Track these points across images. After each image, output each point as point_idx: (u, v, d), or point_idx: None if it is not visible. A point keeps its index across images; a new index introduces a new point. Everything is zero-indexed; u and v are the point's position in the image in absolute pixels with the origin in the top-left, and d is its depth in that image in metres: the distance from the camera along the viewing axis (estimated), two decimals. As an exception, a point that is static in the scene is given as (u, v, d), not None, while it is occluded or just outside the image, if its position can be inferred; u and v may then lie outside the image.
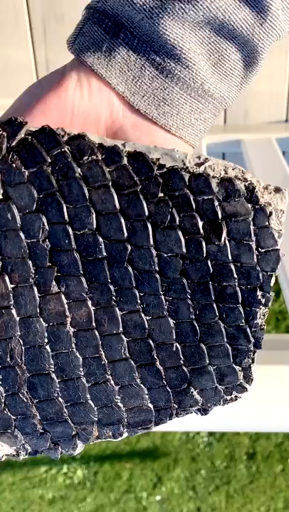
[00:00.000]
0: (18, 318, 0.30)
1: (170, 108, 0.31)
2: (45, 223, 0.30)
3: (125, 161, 0.29)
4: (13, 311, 0.30)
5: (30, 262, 0.30)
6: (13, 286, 0.30)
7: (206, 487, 1.09)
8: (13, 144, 0.29)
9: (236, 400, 0.34)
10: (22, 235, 0.30)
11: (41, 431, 0.33)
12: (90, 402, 0.32)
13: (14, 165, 0.29)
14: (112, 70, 0.31)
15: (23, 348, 0.31)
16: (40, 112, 0.30)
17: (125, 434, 0.34)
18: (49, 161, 0.29)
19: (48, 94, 0.31)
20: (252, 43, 0.30)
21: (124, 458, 1.11)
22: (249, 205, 0.30)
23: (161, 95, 0.31)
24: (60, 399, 0.32)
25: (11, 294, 0.30)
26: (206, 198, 0.30)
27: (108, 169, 0.29)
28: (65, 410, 0.32)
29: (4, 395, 0.32)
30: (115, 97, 0.31)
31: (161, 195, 0.30)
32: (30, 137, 0.29)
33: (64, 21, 0.89)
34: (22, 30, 0.90)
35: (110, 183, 0.30)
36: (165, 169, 0.30)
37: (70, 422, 0.33)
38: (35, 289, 0.30)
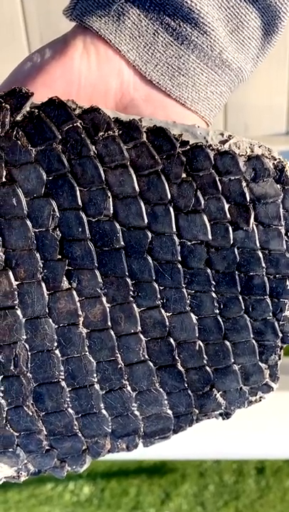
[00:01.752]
0: (23, 320, 0.35)
1: (185, 79, 0.37)
2: (56, 209, 0.35)
3: (144, 137, 0.35)
4: (18, 312, 0.35)
5: (37, 255, 0.35)
6: (18, 283, 0.35)
7: (215, 502, 1.29)
8: (18, 118, 0.33)
9: (260, 400, 0.41)
10: (29, 223, 0.34)
11: (47, 447, 0.38)
12: (104, 411, 0.38)
13: (19, 142, 0.34)
14: (122, 35, 0.36)
15: (29, 353, 0.36)
16: (42, 84, 0.35)
17: (140, 446, 0.40)
18: (59, 137, 0.34)
19: (50, 64, 0.35)
20: (274, 7, 0.36)
21: (131, 474, 1.29)
22: (278, 186, 0.37)
23: (175, 64, 0.37)
24: (70, 410, 0.38)
25: (15, 292, 0.35)
26: (232, 178, 0.36)
27: (126, 147, 0.35)
28: (76, 423, 0.38)
29: (6, 408, 0.37)
30: (126, 66, 0.36)
31: (184, 175, 0.36)
32: (36, 110, 0.34)
33: (60, 34, 0.99)
34: (20, 48, 1.10)
35: (128, 163, 0.35)
36: (188, 146, 0.36)
37: (80, 435, 0.38)
38: (43, 285, 0.35)
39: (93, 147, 0.34)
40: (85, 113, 0.34)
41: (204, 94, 0.37)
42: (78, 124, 0.34)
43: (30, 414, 0.37)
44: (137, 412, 0.38)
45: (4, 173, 0.33)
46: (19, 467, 0.39)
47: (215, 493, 1.29)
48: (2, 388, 0.36)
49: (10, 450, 0.38)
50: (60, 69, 0.35)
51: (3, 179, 0.33)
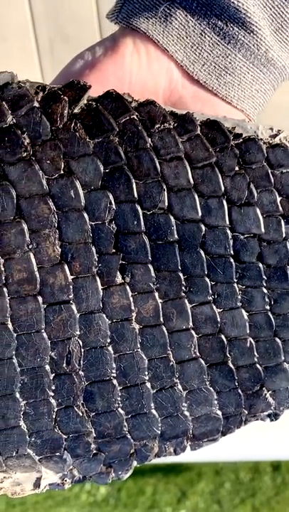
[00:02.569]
0: (78, 315, 0.40)
1: (232, 78, 0.43)
2: (112, 202, 0.39)
3: (199, 130, 0.40)
4: (73, 307, 0.40)
5: (93, 248, 0.39)
6: (73, 277, 0.39)
7: (231, 500, 1.44)
8: (76, 110, 0.38)
9: (308, 401, 0.46)
10: (86, 216, 0.39)
11: (94, 451, 0.42)
12: (154, 411, 0.42)
13: (78, 134, 0.38)
14: (170, 36, 0.41)
15: (82, 350, 0.40)
16: (95, 81, 0.40)
17: (188, 449, 0.45)
18: (117, 129, 0.39)
19: (102, 61, 0.41)
20: None
21: (147, 473, 1.43)
22: None
23: (222, 63, 0.42)
24: (120, 410, 0.42)
25: (70, 287, 0.39)
26: (284, 171, 0.42)
27: (181, 139, 0.40)
28: (125, 424, 0.42)
29: (56, 409, 0.41)
30: (174, 66, 0.42)
31: (237, 168, 0.41)
32: (94, 103, 0.39)
33: (70, 42, 1.21)
34: (29, 53, 1.23)
35: (183, 155, 0.40)
36: (241, 139, 0.41)
37: (129, 437, 0.43)
38: (97, 279, 0.40)
39: (149, 139, 0.39)
40: (141, 106, 0.39)
41: (249, 93, 0.43)
42: (135, 116, 0.39)
43: (80, 414, 0.41)
44: (186, 413, 0.43)
45: (62, 165, 0.38)
46: (64, 473, 0.43)
47: (231, 490, 1.44)
48: (53, 387, 0.40)
49: (57, 454, 0.41)
50: (112, 66, 0.40)
51: (62, 171, 0.38)
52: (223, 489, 1.46)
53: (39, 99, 0.38)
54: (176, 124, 0.40)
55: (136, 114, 0.39)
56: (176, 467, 1.47)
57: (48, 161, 0.38)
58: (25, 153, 0.37)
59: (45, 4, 1.18)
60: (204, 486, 1.46)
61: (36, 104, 0.37)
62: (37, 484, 0.42)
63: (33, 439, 0.41)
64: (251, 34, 0.41)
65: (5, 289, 0.38)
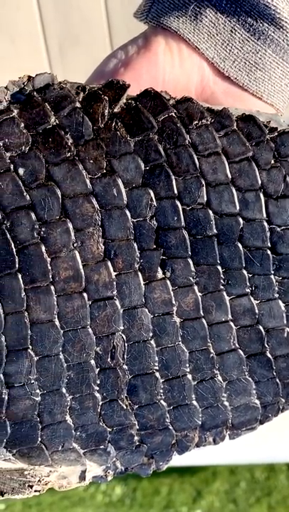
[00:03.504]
0: (121, 311, 0.48)
1: (262, 73, 0.50)
2: (153, 198, 0.47)
3: (235, 125, 0.48)
4: (117, 302, 0.47)
5: (135, 245, 0.47)
6: (116, 273, 0.47)
7: (247, 499, 1.62)
8: (116, 109, 0.46)
9: None
10: (128, 213, 0.47)
11: (137, 443, 0.50)
12: (195, 403, 0.51)
13: (119, 133, 0.46)
14: (200, 34, 0.49)
15: (125, 344, 0.48)
16: (130, 79, 0.47)
17: (226, 439, 0.53)
18: (156, 127, 0.46)
19: (136, 60, 0.48)
20: None
21: (162, 473, 1.61)
22: None
23: (252, 59, 0.50)
24: (162, 402, 0.50)
25: (114, 283, 0.47)
26: None
27: (218, 135, 0.48)
28: (168, 415, 0.50)
29: (101, 403, 0.49)
30: (205, 63, 0.49)
31: (272, 161, 0.49)
32: (132, 102, 0.46)
33: (79, 43, 1.38)
34: (39, 55, 1.40)
35: (221, 150, 0.48)
36: (276, 133, 0.49)
37: (171, 428, 0.51)
38: (139, 275, 0.48)
39: (188, 136, 0.46)
40: (178, 103, 0.47)
41: (279, 87, 0.50)
42: (173, 113, 0.46)
43: (124, 407, 0.49)
44: (226, 403, 0.51)
45: (105, 164, 0.45)
46: (108, 465, 0.51)
47: (247, 489, 1.62)
48: (98, 382, 0.48)
49: (101, 447, 0.50)
50: (146, 64, 0.47)
51: (104, 170, 0.45)
52: (238, 488, 1.64)
53: (80, 100, 0.45)
54: (213, 120, 0.47)
55: (174, 111, 0.46)
56: (191, 467, 1.62)
57: (91, 161, 0.45)
58: (68, 154, 0.45)
59: (54, 6, 1.34)
60: (219, 485, 1.64)
61: (78, 105, 0.45)
62: (82, 477, 0.50)
63: (78, 433, 0.49)
64: (281, 30, 0.48)
65: (52, 287, 0.46)
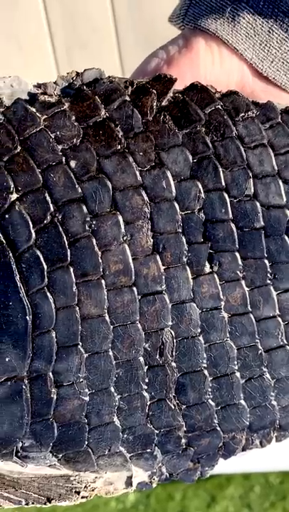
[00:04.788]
0: (170, 305, 0.58)
1: None
2: (201, 190, 0.58)
3: (280, 117, 0.59)
4: (166, 297, 0.58)
5: (183, 238, 0.58)
6: (164, 267, 0.58)
7: (262, 504, 1.86)
8: (164, 103, 0.57)
9: None
10: (177, 206, 0.58)
11: (184, 446, 0.61)
12: (243, 402, 0.61)
13: (167, 126, 0.57)
14: (238, 35, 0.61)
15: (174, 341, 0.59)
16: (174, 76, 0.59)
17: (273, 441, 0.63)
18: (204, 119, 0.57)
19: (178, 59, 0.60)
20: None
21: None
22: None
23: None
24: (210, 402, 0.60)
25: (163, 277, 0.58)
26: None
27: (263, 127, 0.59)
28: (215, 415, 0.61)
29: (149, 402, 0.59)
30: (244, 64, 0.61)
31: (316, 153, 0.60)
32: (180, 95, 0.57)
33: (87, 50, 1.64)
34: (47, 61, 1.64)
35: (267, 142, 0.59)
36: None
37: (219, 429, 0.61)
38: (187, 269, 0.58)
39: (235, 128, 0.58)
40: (224, 96, 0.58)
41: None
42: (220, 106, 0.57)
43: (172, 407, 0.59)
44: (274, 403, 0.61)
45: (154, 157, 0.56)
46: (153, 471, 0.61)
47: (261, 494, 1.87)
48: (146, 380, 0.58)
49: (148, 451, 0.60)
50: (188, 63, 0.59)
51: (153, 162, 0.56)
52: (252, 493, 1.90)
53: (129, 93, 0.56)
54: (258, 113, 0.58)
55: (220, 103, 0.58)
56: (205, 472, 1.86)
57: (141, 153, 0.56)
58: (119, 146, 0.56)
59: (61, 12, 1.56)
60: (233, 490, 1.90)
61: (127, 98, 0.56)
62: (129, 483, 0.60)
63: (125, 435, 0.59)
64: None
65: (103, 281, 0.56)
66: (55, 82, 0.56)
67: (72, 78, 0.56)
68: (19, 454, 0.58)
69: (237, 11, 0.59)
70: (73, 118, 0.56)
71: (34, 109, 0.55)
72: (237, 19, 0.59)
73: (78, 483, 0.59)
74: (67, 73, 0.56)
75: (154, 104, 0.57)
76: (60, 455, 0.58)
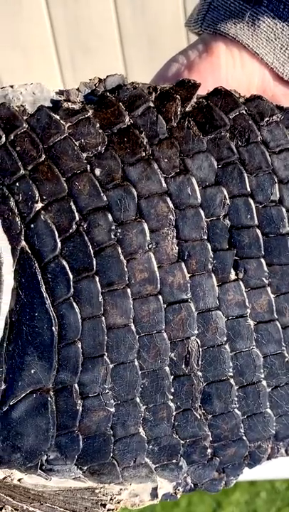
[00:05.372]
0: (196, 314, 0.63)
1: None
2: (227, 197, 0.63)
3: (304, 121, 0.64)
4: (192, 305, 0.63)
5: (208, 245, 0.63)
6: (189, 275, 0.63)
7: (268, 510, 1.98)
8: (188, 108, 0.62)
9: None
10: (202, 213, 0.62)
11: (209, 456, 0.65)
12: (269, 411, 0.66)
13: (192, 131, 0.62)
14: (259, 39, 0.65)
15: (200, 350, 0.63)
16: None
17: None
18: (229, 124, 0.62)
19: (199, 63, 0.64)
20: None
21: None
22: None
23: None
24: (236, 411, 0.65)
25: (188, 285, 0.62)
26: None
27: (288, 131, 0.64)
28: (242, 425, 0.66)
29: (175, 413, 0.64)
30: (265, 68, 0.66)
31: None
32: (204, 100, 0.62)
33: (91, 54, 1.78)
34: (51, 66, 1.79)
35: (291, 147, 0.64)
36: None
37: (245, 439, 0.66)
38: (213, 276, 0.63)
39: (259, 133, 0.62)
40: (248, 101, 0.63)
41: None
42: (244, 111, 0.62)
43: (198, 417, 0.64)
44: (300, 411, 0.66)
45: (179, 163, 0.61)
46: (178, 482, 0.66)
47: (267, 500, 2.00)
48: (172, 390, 0.63)
49: (173, 461, 0.64)
50: (209, 67, 0.64)
51: (178, 169, 0.61)
52: (258, 499, 2.05)
53: (153, 99, 0.60)
54: (282, 117, 0.63)
55: (245, 108, 0.62)
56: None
57: (166, 160, 0.61)
58: (144, 153, 0.60)
59: (65, 17, 1.70)
60: (239, 496, 2.04)
61: (151, 104, 0.60)
62: (154, 494, 0.65)
63: (151, 446, 0.63)
64: None
65: (128, 290, 0.61)
66: (77, 89, 0.61)
67: (95, 85, 0.61)
68: (44, 467, 0.62)
69: (257, 15, 0.64)
70: (97, 125, 0.60)
71: (58, 117, 0.60)
72: (257, 23, 0.64)
73: (104, 495, 0.64)
74: (90, 79, 0.61)
75: (179, 109, 0.61)
76: (85, 467, 0.63)
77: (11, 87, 0.60)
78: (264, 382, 0.65)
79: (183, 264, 0.62)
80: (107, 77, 0.61)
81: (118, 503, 0.64)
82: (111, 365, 0.61)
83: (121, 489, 0.65)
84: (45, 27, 1.72)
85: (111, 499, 0.64)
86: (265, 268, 0.64)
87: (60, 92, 0.60)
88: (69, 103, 0.60)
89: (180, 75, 0.64)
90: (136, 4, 1.74)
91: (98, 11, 1.69)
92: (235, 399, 0.64)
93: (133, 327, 0.61)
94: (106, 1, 1.79)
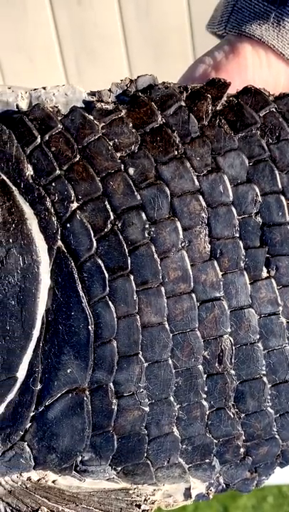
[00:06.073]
0: (228, 312, 0.70)
1: None
2: (258, 194, 0.70)
3: None
4: (224, 303, 0.70)
5: (240, 243, 0.70)
6: (222, 273, 0.70)
7: None
8: (218, 107, 0.69)
9: None
10: (234, 211, 0.70)
11: (242, 455, 0.73)
12: (301, 409, 0.73)
13: (223, 130, 0.69)
14: (284, 40, 0.73)
15: (233, 348, 0.71)
16: None
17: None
18: (260, 122, 0.70)
19: (226, 64, 0.72)
20: None
21: None
22: None
23: None
24: (269, 409, 0.73)
25: (220, 283, 0.70)
26: None
27: (317, 128, 0.72)
28: (274, 423, 0.73)
29: (208, 412, 0.71)
30: None
31: None
32: (234, 99, 0.70)
33: (96, 59, 1.96)
34: (56, 72, 1.96)
35: None
36: None
37: (278, 437, 0.73)
38: (245, 274, 0.71)
39: None
40: (278, 99, 0.70)
41: None
42: (274, 109, 0.70)
43: (232, 416, 0.71)
44: None
45: (210, 161, 0.69)
46: (211, 482, 0.73)
47: (274, 504, 2.17)
48: (206, 388, 0.70)
49: (206, 461, 0.72)
50: (236, 67, 0.72)
51: (210, 167, 0.69)
52: (266, 503, 2.24)
53: (184, 98, 0.68)
54: None
55: (275, 106, 0.70)
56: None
57: (198, 158, 0.68)
58: (176, 152, 0.68)
59: (70, 23, 1.86)
60: (246, 500, 2.23)
61: (183, 103, 0.68)
62: (187, 495, 0.72)
63: (184, 445, 0.71)
64: None
65: (162, 289, 0.68)
66: (109, 90, 0.68)
67: (126, 85, 0.68)
68: (78, 468, 0.69)
69: (282, 16, 0.71)
70: (130, 125, 0.68)
71: (92, 117, 0.67)
72: (282, 24, 0.71)
73: (138, 496, 0.71)
74: (121, 80, 0.68)
75: (210, 108, 0.69)
76: (119, 468, 0.70)
77: (44, 88, 0.68)
78: (296, 380, 0.72)
79: (215, 262, 0.69)
80: (138, 77, 0.68)
81: (152, 503, 0.71)
82: (145, 364, 0.68)
83: (154, 490, 0.72)
84: (49, 30, 1.85)
85: (145, 500, 0.71)
86: (297, 265, 0.71)
87: (92, 93, 0.68)
88: (102, 103, 0.67)
89: (207, 76, 0.71)
90: (140, 7, 1.88)
91: (103, 14, 1.82)
92: (268, 397, 0.71)
93: (167, 325, 0.68)
94: (110, 4, 1.91)
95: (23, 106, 0.67)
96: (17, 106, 0.67)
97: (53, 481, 0.70)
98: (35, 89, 0.67)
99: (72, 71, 1.90)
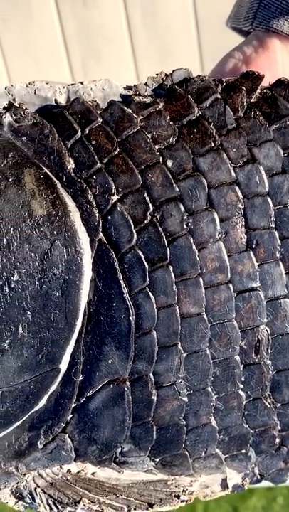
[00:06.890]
0: (265, 302, 0.80)
1: None
2: (293, 185, 0.80)
3: None
4: (261, 293, 0.80)
5: (276, 233, 0.80)
6: (258, 263, 0.80)
7: None
8: (252, 99, 0.80)
9: None
10: (270, 201, 0.80)
11: (277, 446, 0.83)
12: None
13: (258, 121, 0.80)
14: None
15: (269, 338, 0.81)
16: None
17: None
18: (294, 114, 0.80)
19: (256, 58, 0.82)
20: None
21: None
22: None
23: None
24: (305, 399, 0.83)
25: (257, 273, 0.80)
26: None
27: None
28: (310, 413, 0.83)
29: (245, 402, 0.81)
30: None
31: None
32: (267, 91, 0.80)
33: (102, 61, 2.14)
34: (62, 74, 2.13)
35: None
36: None
37: (313, 428, 0.83)
38: (281, 264, 0.81)
39: None
40: None
41: None
42: (307, 100, 0.80)
43: (268, 406, 0.81)
44: None
45: (246, 152, 0.79)
46: (246, 472, 0.82)
47: (284, 505, 2.34)
48: (243, 379, 0.80)
49: (242, 452, 0.81)
50: (266, 61, 0.82)
51: (246, 158, 0.79)
52: (275, 504, 2.41)
53: (219, 91, 0.78)
54: None
55: (308, 97, 0.80)
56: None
57: (234, 149, 0.78)
58: (213, 144, 0.78)
59: (76, 24, 2.02)
60: (256, 501, 2.41)
61: (219, 96, 0.78)
62: (224, 485, 0.82)
63: (221, 436, 0.80)
64: None
65: (200, 279, 0.78)
66: (145, 84, 0.78)
67: (162, 79, 0.78)
68: (118, 459, 0.78)
69: None
70: (168, 117, 0.77)
71: (130, 110, 0.77)
72: None
73: (176, 487, 0.80)
74: (157, 74, 0.78)
75: (245, 100, 0.78)
76: (158, 459, 0.78)
77: (81, 83, 0.78)
78: None
79: (251, 253, 0.78)
80: (174, 71, 0.78)
81: (191, 494, 0.80)
82: (184, 354, 0.77)
83: (192, 481, 0.81)
84: (55, 31, 1.99)
85: (184, 490, 0.80)
86: None
87: (129, 87, 0.77)
88: (140, 97, 0.77)
89: (238, 70, 0.80)
90: (146, 10, 2.00)
91: (109, 18, 1.95)
92: (304, 387, 0.81)
93: (205, 316, 0.77)
94: (117, 8, 2.04)
95: (62, 100, 0.77)
96: (55, 101, 0.77)
97: (92, 473, 0.78)
98: (72, 84, 0.77)
99: (78, 72, 2.02)
